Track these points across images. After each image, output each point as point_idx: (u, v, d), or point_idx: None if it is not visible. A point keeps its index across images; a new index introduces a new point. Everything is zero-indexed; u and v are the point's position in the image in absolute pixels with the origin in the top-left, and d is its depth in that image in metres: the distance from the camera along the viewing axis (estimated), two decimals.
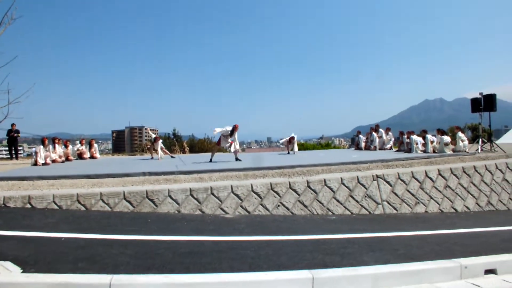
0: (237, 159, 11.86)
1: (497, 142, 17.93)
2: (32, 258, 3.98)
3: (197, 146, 25.34)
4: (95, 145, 15.75)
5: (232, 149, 11.71)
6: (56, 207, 6.76)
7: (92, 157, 15.06)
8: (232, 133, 11.66)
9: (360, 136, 18.28)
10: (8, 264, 3.69)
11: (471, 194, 10.27)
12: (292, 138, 15.88)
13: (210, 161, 11.69)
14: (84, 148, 14.83)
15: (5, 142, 16.19)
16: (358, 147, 18.04)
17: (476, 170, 10.74)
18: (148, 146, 15.57)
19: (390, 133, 17.25)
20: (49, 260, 3.97)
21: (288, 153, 16.05)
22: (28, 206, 6.68)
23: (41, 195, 6.82)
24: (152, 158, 14.34)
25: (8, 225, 5.46)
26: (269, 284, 3.60)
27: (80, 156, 14.50)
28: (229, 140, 11.70)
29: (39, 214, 6.29)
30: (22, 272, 3.56)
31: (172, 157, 14.51)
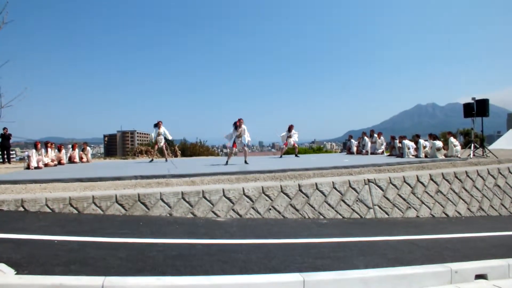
0: (245, 161, 12.13)
1: (490, 147, 18.12)
2: (26, 260, 3.99)
3: (189, 150, 25.38)
4: (88, 149, 15.68)
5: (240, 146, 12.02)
6: (48, 210, 6.75)
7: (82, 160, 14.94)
8: (236, 129, 11.83)
9: (352, 140, 18.44)
10: (2, 266, 3.69)
11: (463, 199, 10.35)
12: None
13: (226, 164, 11.77)
14: (74, 153, 14.70)
15: None
16: (350, 152, 18.17)
17: (468, 176, 10.84)
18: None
19: (382, 137, 17.39)
20: (42, 262, 3.98)
21: (280, 156, 16.48)
22: (21, 209, 6.66)
23: (34, 198, 6.80)
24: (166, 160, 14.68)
25: (1, 227, 5.45)
26: (260, 287, 3.64)
27: (70, 159, 14.36)
28: (240, 140, 11.92)
29: (32, 217, 6.27)
30: (15, 274, 3.57)
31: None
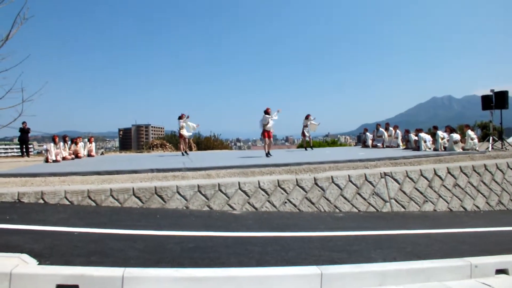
0: (267, 154, 12.08)
1: (509, 140, 17.70)
2: (47, 251, 4.08)
3: (203, 143, 25.50)
4: (93, 144, 15.58)
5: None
6: (67, 202, 6.88)
7: (89, 155, 14.92)
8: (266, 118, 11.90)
9: (367, 133, 18.19)
10: (25, 257, 3.78)
11: (481, 193, 10.16)
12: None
13: (267, 155, 11.94)
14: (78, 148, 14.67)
15: (16, 140, 16.44)
16: (365, 145, 17.97)
17: (486, 169, 10.61)
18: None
19: (398, 130, 17.15)
20: (63, 253, 4.07)
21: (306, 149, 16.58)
22: (41, 201, 6.80)
23: (53, 191, 6.94)
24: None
25: (23, 219, 5.58)
26: (277, 279, 3.65)
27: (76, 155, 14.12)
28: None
29: (52, 209, 6.40)
30: (38, 264, 3.65)
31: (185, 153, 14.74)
